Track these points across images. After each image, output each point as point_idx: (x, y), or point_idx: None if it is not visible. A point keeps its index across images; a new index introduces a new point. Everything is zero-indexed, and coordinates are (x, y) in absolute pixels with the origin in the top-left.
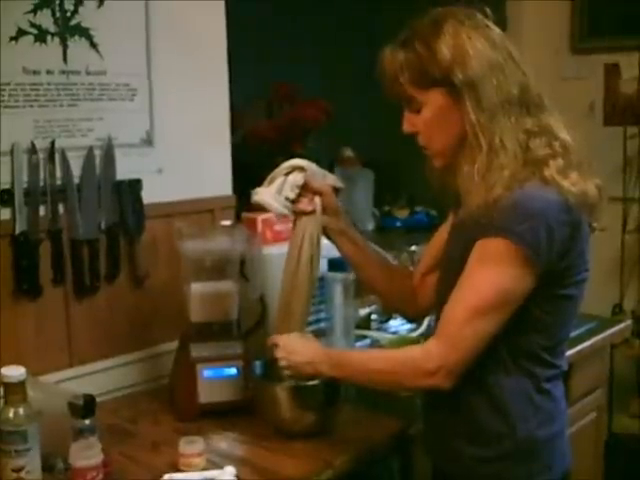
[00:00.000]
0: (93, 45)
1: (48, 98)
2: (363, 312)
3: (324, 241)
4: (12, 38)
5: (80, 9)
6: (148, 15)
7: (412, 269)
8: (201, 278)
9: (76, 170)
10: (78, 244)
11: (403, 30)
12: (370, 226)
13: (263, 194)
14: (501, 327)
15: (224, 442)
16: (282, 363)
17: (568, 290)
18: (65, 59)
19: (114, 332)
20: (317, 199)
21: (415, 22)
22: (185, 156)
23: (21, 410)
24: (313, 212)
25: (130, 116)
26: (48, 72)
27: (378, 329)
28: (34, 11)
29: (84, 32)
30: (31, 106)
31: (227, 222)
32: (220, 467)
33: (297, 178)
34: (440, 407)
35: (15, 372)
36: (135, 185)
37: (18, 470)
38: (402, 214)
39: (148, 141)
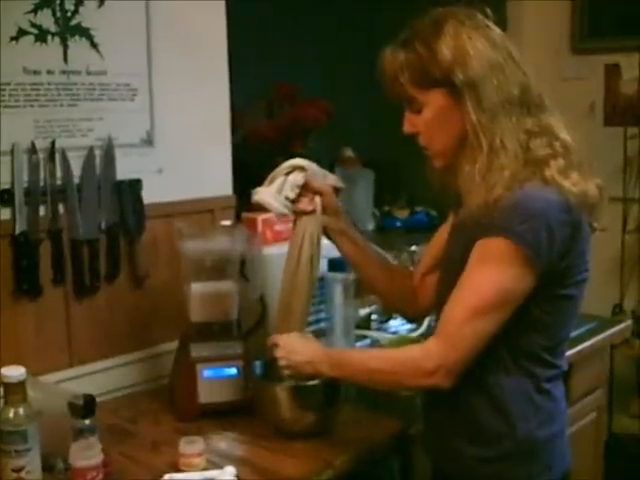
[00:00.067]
0: (93, 45)
1: (48, 98)
2: (363, 312)
3: (324, 241)
4: (12, 38)
5: (80, 9)
6: (149, 15)
7: (412, 269)
8: (201, 278)
9: (76, 170)
10: (78, 244)
11: (403, 30)
12: (370, 226)
13: (263, 194)
14: (501, 327)
15: (224, 442)
16: (282, 363)
17: (568, 290)
18: (65, 59)
19: (114, 332)
20: (317, 199)
21: (415, 22)
22: (185, 156)
23: (21, 410)
24: (313, 212)
25: (130, 116)
26: (48, 72)
27: (378, 329)
28: (34, 11)
29: (84, 32)
30: (31, 106)
31: (227, 222)
32: (220, 467)
33: (297, 178)
34: (440, 407)
35: (15, 372)
36: (135, 185)
37: (18, 470)
38: (402, 214)
39: (148, 141)
